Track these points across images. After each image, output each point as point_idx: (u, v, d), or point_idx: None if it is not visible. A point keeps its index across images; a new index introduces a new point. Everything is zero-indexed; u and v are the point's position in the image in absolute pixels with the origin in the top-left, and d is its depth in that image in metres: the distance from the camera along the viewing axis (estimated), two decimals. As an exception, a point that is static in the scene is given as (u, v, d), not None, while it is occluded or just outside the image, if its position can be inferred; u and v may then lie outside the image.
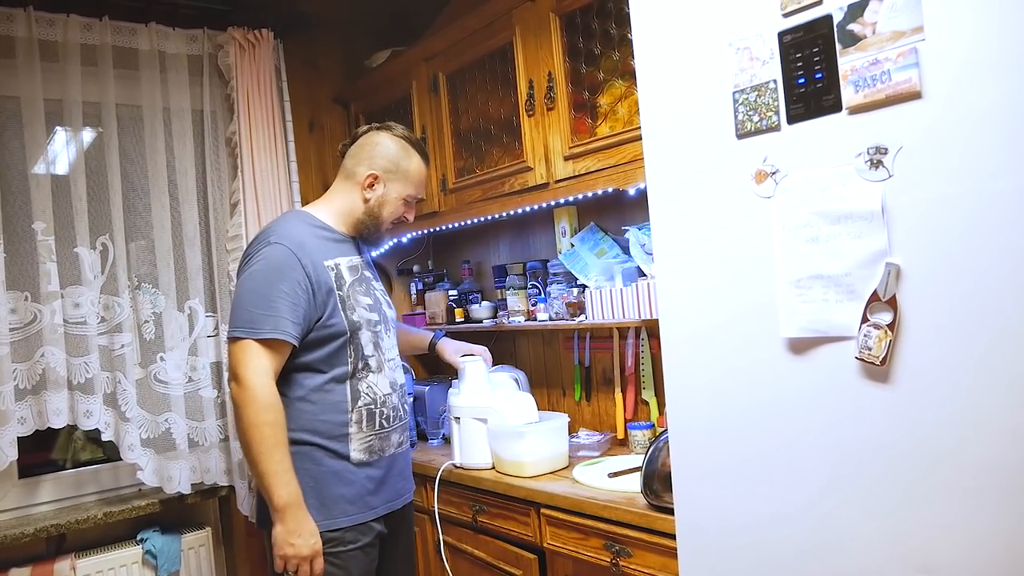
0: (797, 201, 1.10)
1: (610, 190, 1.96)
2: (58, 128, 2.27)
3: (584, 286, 2.26)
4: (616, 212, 2.32)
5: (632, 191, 1.95)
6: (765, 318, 1.16)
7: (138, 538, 2.31)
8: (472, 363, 2.16)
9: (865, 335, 1.02)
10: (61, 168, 2.28)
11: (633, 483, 1.80)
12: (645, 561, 1.66)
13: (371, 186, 1.79)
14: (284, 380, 1.72)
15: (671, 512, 1.52)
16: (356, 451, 1.73)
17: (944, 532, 0.98)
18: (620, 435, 2.32)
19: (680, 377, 1.34)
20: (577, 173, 2.03)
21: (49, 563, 2.11)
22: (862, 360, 1.04)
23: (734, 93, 1.17)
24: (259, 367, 1.59)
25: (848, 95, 1.03)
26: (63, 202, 2.20)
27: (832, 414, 1.08)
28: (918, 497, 1.00)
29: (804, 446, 1.12)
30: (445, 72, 2.46)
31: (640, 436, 2.17)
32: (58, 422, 2.12)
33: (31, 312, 2.15)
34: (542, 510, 1.91)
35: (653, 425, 2.20)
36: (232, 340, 1.62)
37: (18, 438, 2.11)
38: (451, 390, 2.30)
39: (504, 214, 2.35)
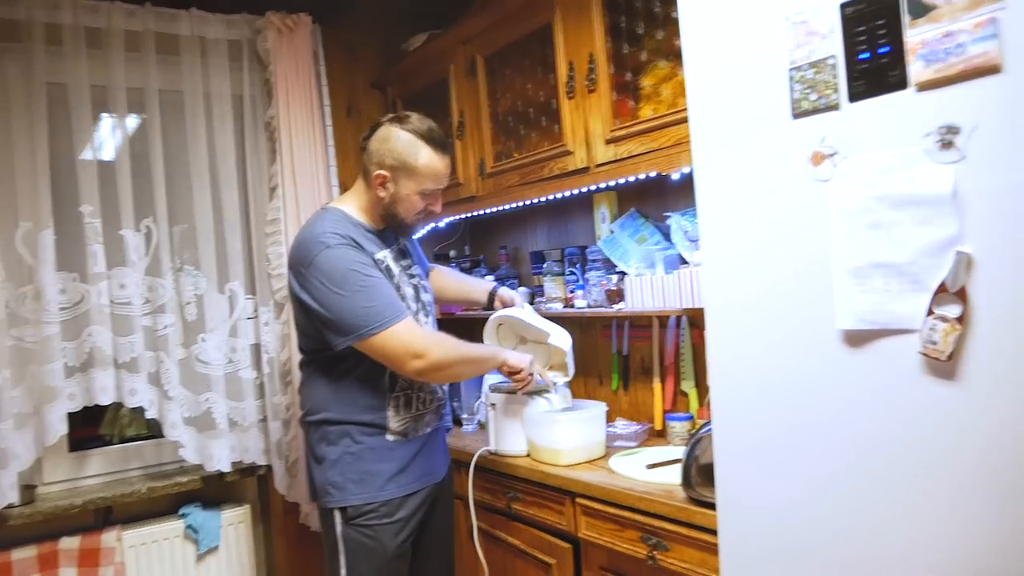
0: (857, 185, 1.04)
1: (652, 175, 1.92)
2: (103, 114, 2.29)
3: (623, 273, 2.21)
4: (658, 198, 2.27)
5: (676, 176, 1.90)
6: (819, 309, 1.11)
7: (180, 513, 2.34)
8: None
9: (930, 328, 0.97)
10: (107, 153, 2.31)
11: (672, 475, 1.77)
12: (683, 556, 1.62)
13: (382, 185, 1.77)
14: (329, 363, 1.75)
15: (711, 507, 1.48)
16: (392, 431, 1.78)
17: (1011, 540, 0.92)
18: (658, 426, 2.28)
19: (726, 370, 1.30)
20: (618, 157, 1.98)
21: (97, 534, 2.16)
22: (926, 355, 0.98)
23: (790, 70, 1.12)
24: (416, 332, 1.68)
25: (916, 70, 0.97)
26: (109, 185, 2.23)
27: (891, 412, 1.03)
28: (983, 501, 0.95)
29: (860, 446, 1.07)
30: (483, 55, 2.43)
31: (679, 428, 2.13)
32: (105, 399, 2.16)
33: (79, 292, 2.19)
34: (577, 499, 1.89)
35: (692, 417, 2.16)
36: (367, 338, 1.64)
37: (69, 414, 2.16)
38: (487, 376, 2.28)
39: (542, 199, 2.31)
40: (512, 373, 1.89)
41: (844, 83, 1.05)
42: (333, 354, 1.71)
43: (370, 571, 1.73)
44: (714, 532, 1.41)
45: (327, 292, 1.65)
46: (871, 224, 1.03)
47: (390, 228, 1.84)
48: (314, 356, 1.80)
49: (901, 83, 0.99)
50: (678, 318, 2.24)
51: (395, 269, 1.80)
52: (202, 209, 2.37)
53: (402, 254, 1.89)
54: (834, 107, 1.07)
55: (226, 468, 2.35)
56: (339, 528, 1.75)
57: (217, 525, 2.35)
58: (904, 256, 1.00)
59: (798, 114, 1.11)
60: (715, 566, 1.38)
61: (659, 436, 2.27)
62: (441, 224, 2.83)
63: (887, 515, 1.05)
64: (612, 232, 2.31)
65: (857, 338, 1.07)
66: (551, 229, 2.70)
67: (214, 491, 2.45)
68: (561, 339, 2.01)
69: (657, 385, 2.29)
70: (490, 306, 2.15)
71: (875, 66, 1.01)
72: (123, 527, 2.23)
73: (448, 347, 1.74)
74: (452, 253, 2.98)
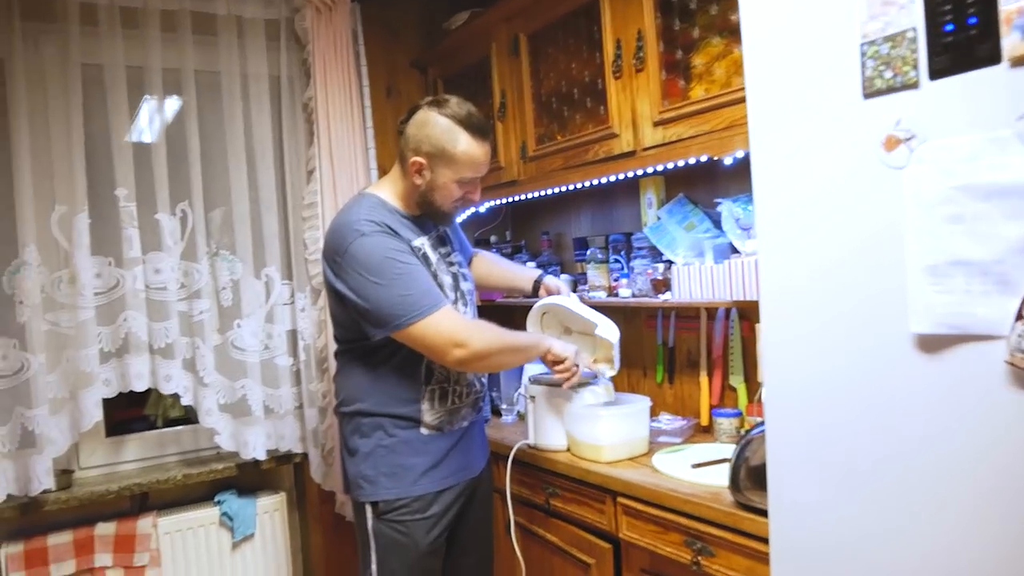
0: (937, 172, 0.93)
1: (703, 159, 1.80)
2: (139, 95, 2.26)
3: (671, 262, 2.11)
4: (708, 183, 2.15)
5: (728, 160, 1.78)
6: (890, 309, 1.00)
7: (215, 500, 2.34)
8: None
9: (1019, 335, 0.86)
10: (142, 135, 2.29)
11: (719, 476, 1.67)
12: (729, 563, 1.53)
13: (418, 172, 1.70)
14: (364, 353, 1.71)
15: (761, 513, 1.39)
16: (427, 424, 1.73)
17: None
18: (704, 422, 2.18)
19: (782, 368, 1.20)
20: (667, 140, 1.87)
21: (133, 520, 2.16)
22: (1013, 365, 0.87)
23: (862, 45, 1.00)
24: (456, 321, 1.62)
25: (1011, 44, 0.85)
26: (144, 168, 2.21)
27: (970, 425, 0.92)
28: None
29: (932, 460, 0.97)
30: (526, 33, 2.33)
31: (727, 425, 2.03)
32: (140, 385, 2.15)
33: (114, 277, 2.18)
34: (619, 499, 1.81)
35: (741, 413, 2.05)
36: (406, 327, 1.59)
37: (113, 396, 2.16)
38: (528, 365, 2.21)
39: (587, 184, 2.22)
40: (556, 363, 1.82)
41: (924, 59, 0.94)
42: (368, 344, 1.66)
43: (402, 567, 1.69)
44: (764, 540, 1.32)
45: (363, 281, 1.59)
46: (952, 217, 0.92)
47: (427, 215, 1.77)
48: (349, 346, 1.75)
49: (992, 58, 0.87)
50: (727, 310, 2.13)
51: (433, 257, 1.74)
52: (238, 193, 2.34)
53: (441, 241, 1.82)
54: (912, 85, 0.95)
55: (261, 456, 2.33)
56: (370, 523, 1.70)
57: (252, 513, 2.34)
58: (990, 253, 0.89)
59: (870, 94, 1.00)
60: (764, 574, 1.29)
61: (705, 432, 2.17)
62: (482, 209, 2.76)
63: (960, 534, 0.95)
64: (659, 219, 2.21)
65: (932, 343, 0.96)
66: (595, 215, 2.60)
67: (250, 478, 2.45)
68: (609, 331, 1.92)
69: (704, 379, 2.19)
70: (535, 294, 2.07)
71: (962, 39, 0.89)
72: (159, 513, 2.23)
73: (490, 335, 1.67)
74: (493, 238, 2.90)
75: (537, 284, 2.06)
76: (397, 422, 1.71)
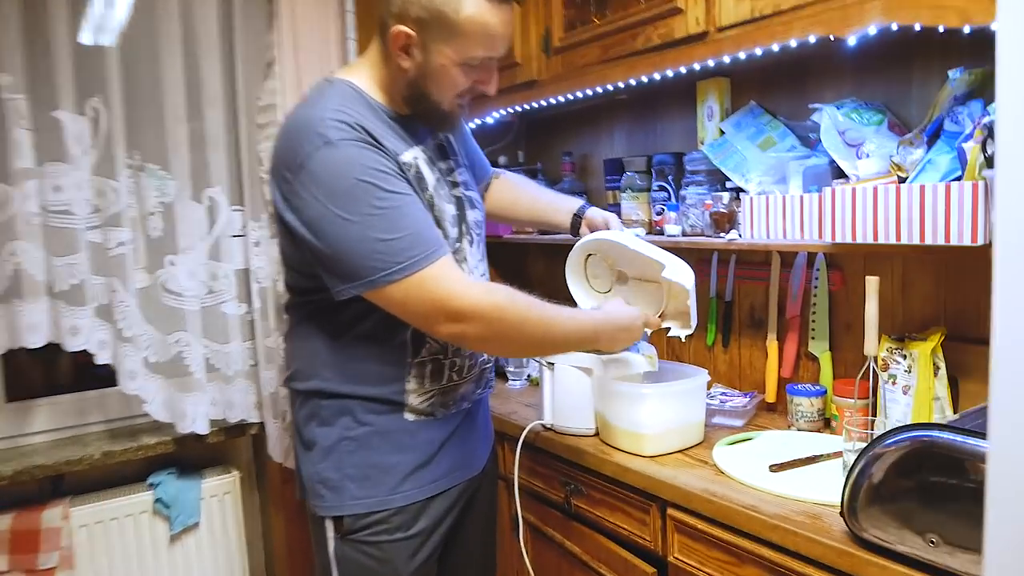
0: None
1: (811, 40, 1.26)
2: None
3: (739, 190, 1.59)
4: (793, 86, 1.62)
5: (852, 40, 1.23)
6: None
7: (149, 482, 1.87)
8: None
9: None
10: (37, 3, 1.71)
11: (811, 486, 1.22)
12: (842, 623, 1.06)
13: (404, 49, 1.15)
14: (326, 310, 1.21)
15: (893, 556, 0.97)
16: (413, 408, 1.24)
17: None
18: (770, 398, 1.70)
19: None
20: (757, 15, 1.32)
21: (36, 511, 1.69)
22: None
23: None
24: (456, 282, 1.12)
25: None
26: (39, 48, 1.64)
27: None
28: None
29: None
30: None
31: (806, 407, 1.54)
32: (34, 340, 1.64)
33: None
34: (669, 510, 1.34)
35: (826, 392, 1.56)
36: (382, 286, 1.09)
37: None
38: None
39: (632, 82, 1.66)
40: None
41: None
42: (332, 299, 1.15)
43: None
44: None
45: (324, 214, 1.08)
46: None
47: (420, 116, 1.23)
48: (306, 298, 1.24)
49: None
50: (810, 255, 1.61)
51: (429, 176, 1.22)
52: (172, 88, 1.78)
53: (441, 153, 1.30)
54: None
55: (202, 429, 1.85)
56: (332, 545, 1.23)
57: (196, 497, 1.88)
58: None
59: None
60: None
61: (771, 411, 1.70)
62: (488, 119, 2.19)
63: None
64: (723, 133, 1.67)
65: None
66: (634, 130, 2.05)
67: (194, 455, 1.97)
68: (680, 273, 1.40)
69: (772, 343, 1.69)
70: (574, 232, 1.54)
71: None
72: (73, 501, 1.76)
73: (513, 312, 1.16)
74: (501, 160, 2.35)
75: (578, 218, 1.53)
76: (371, 405, 1.22)
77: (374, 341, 1.21)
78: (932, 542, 0.96)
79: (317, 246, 1.10)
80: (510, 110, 2.07)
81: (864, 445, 1.08)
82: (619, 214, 1.91)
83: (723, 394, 1.72)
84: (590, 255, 1.51)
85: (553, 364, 1.62)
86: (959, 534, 0.93)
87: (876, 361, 1.37)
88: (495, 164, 2.32)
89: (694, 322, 1.41)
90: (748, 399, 1.67)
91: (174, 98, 1.79)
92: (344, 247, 1.08)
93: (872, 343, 1.32)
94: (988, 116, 1.15)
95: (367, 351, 1.22)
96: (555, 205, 1.56)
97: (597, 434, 1.58)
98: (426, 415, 1.26)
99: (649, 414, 1.44)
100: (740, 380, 1.80)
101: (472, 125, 2.19)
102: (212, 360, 1.89)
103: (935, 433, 0.97)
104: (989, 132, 1.12)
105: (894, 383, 1.37)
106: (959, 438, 0.94)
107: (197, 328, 1.84)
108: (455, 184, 1.31)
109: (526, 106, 1.98)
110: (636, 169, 1.88)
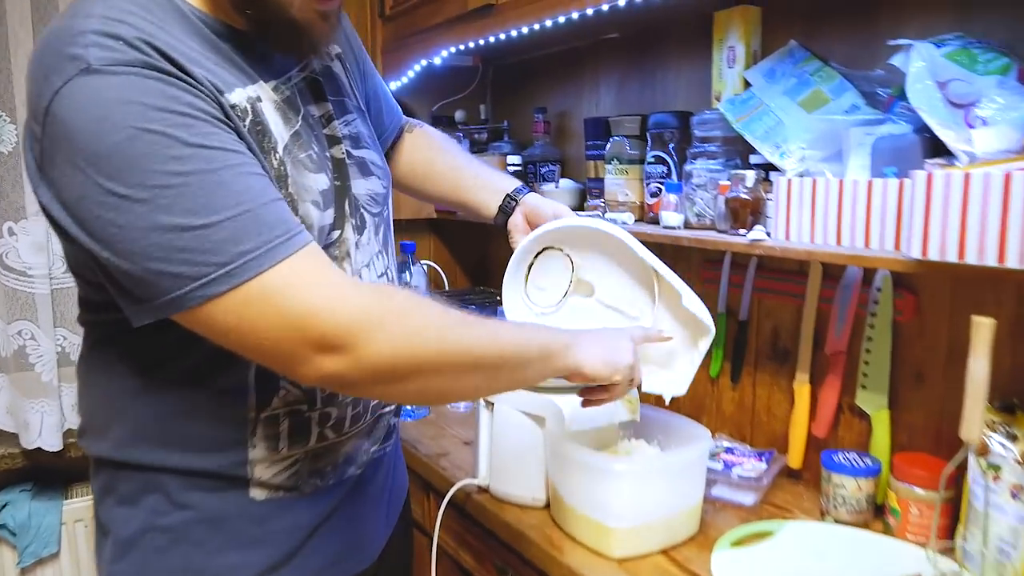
0: None
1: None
2: None
3: (769, 168, 1.09)
4: (856, 17, 1.12)
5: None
6: None
7: (-1, 502, 1.47)
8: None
9: None
10: None
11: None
12: None
13: None
14: (120, 343, 0.76)
15: None
16: (262, 481, 0.79)
17: None
18: (795, 462, 1.22)
19: None
20: None
21: None
22: None
23: None
24: (322, 286, 0.65)
25: None
26: None
27: None
28: None
29: None
30: None
31: (852, 490, 1.06)
32: None
33: None
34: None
35: (880, 470, 1.08)
36: (199, 304, 0.63)
37: None
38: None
39: (620, 4, 1.16)
40: (597, 387, 0.86)
41: None
42: (124, 327, 0.69)
43: None
44: None
45: (88, 189, 0.62)
46: None
47: (263, 32, 0.73)
48: (97, 317, 0.77)
49: None
50: (866, 272, 1.12)
51: (279, 128, 0.73)
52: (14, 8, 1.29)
53: (314, 91, 0.81)
54: None
55: (52, 445, 1.44)
56: None
57: (55, 522, 1.50)
58: None
59: None
60: None
61: (792, 479, 1.22)
62: (436, 61, 1.67)
63: None
64: (749, 85, 1.17)
65: None
66: (626, 82, 1.54)
67: (56, 468, 1.55)
68: (704, 311, 0.91)
69: (803, 387, 1.21)
70: (504, 221, 1.02)
71: None
72: None
73: (419, 320, 0.70)
74: (459, 115, 1.85)
75: (511, 201, 1.02)
76: (194, 480, 0.77)
77: (199, 384, 0.75)
78: None
79: (88, 243, 0.63)
80: (463, 48, 1.55)
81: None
82: (601, 193, 1.42)
83: (728, 450, 1.24)
84: (545, 249, 1.01)
85: (492, 404, 1.14)
86: None
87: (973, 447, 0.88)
88: (452, 122, 1.82)
89: (688, 381, 0.92)
90: (764, 463, 1.19)
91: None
92: (125, 245, 0.62)
93: (975, 422, 0.83)
94: None
95: (187, 400, 0.75)
96: (483, 179, 1.05)
97: (548, 506, 1.11)
98: (286, 490, 0.80)
99: (622, 500, 0.97)
100: (752, 430, 1.32)
101: (417, 68, 1.68)
102: (67, 356, 1.44)
103: None
104: None
105: (997, 478, 0.89)
106: None
107: (47, 316, 1.41)
108: (334, 140, 0.81)
109: (483, 42, 1.46)
110: (626, 133, 1.38)
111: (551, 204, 0.99)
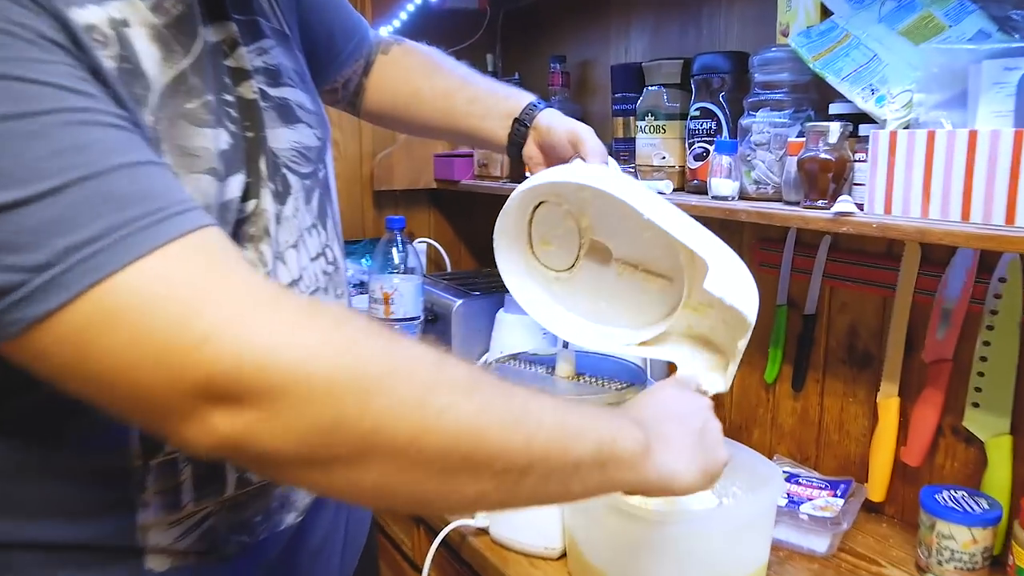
0: None
1: None
2: None
3: (858, 118, 0.83)
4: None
5: None
6: None
7: None
8: None
9: None
10: None
11: None
12: None
13: None
14: None
15: None
16: (161, 547, 0.54)
17: None
18: (876, 495, 0.97)
19: None
20: None
21: None
22: None
23: None
24: (225, 290, 0.39)
25: None
26: None
27: None
28: None
29: None
30: None
31: (964, 540, 0.81)
32: None
33: None
34: None
35: (1001, 515, 0.82)
36: (22, 328, 0.37)
37: None
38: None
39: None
40: None
41: None
42: None
43: None
44: None
45: None
46: None
47: None
48: None
49: None
50: (983, 255, 0.85)
51: (155, 62, 0.46)
52: None
53: (209, 6, 0.52)
54: None
55: None
56: None
57: None
58: None
59: None
60: None
61: (874, 513, 0.97)
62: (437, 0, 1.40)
63: None
64: (829, 14, 0.89)
65: None
66: (663, 23, 1.27)
67: None
68: (738, 289, 0.64)
69: (890, 401, 0.96)
70: (516, 151, 0.80)
71: None
72: None
73: (385, 367, 0.42)
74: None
75: (522, 127, 0.78)
76: (65, 556, 0.51)
77: (54, 426, 0.50)
78: None
79: None
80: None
81: None
82: (632, 156, 1.16)
83: (791, 477, 0.98)
84: (540, 204, 0.74)
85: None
86: None
87: None
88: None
89: (730, 377, 0.66)
90: (840, 497, 0.93)
91: None
92: None
93: None
94: None
95: (38, 450, 0.51)
96: (485, 103, 0.80)
97: (563, 557, 0.87)
98: (199, 555, 0.55)
99: (665, 562, 0.72)
100: (818, 450, 1.06)
101: (411, 8, 1.41)
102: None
103: None
104: None
105: None
106: None
107: None
108: (240, 74, 0.55)
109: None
110: (665, 81, 1.10)
111: (565, 128, 0.78)
